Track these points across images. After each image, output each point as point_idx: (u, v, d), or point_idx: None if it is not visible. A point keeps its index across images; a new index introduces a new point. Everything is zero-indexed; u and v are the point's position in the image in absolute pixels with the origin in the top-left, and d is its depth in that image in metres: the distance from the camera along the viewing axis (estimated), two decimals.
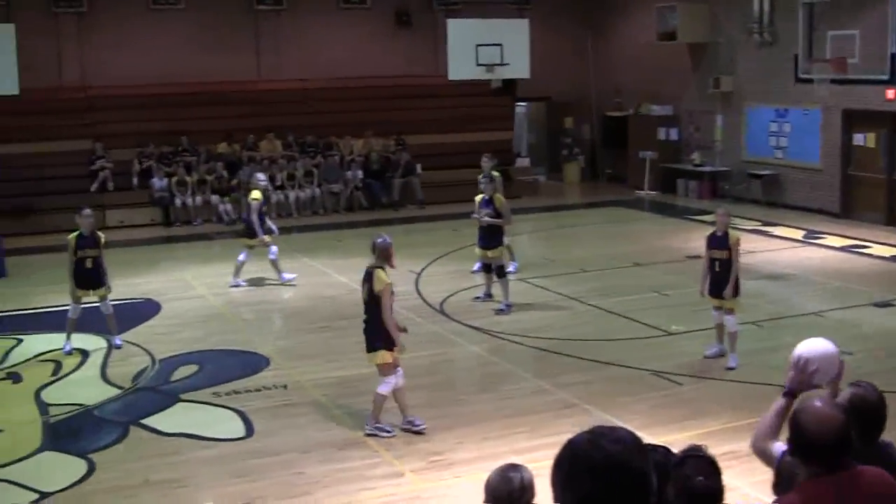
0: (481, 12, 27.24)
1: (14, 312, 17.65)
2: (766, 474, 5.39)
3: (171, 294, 18.62)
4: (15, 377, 14.02)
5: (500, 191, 18.34)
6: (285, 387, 13.08)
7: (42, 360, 14.69)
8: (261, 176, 19.97)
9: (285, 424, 11.71)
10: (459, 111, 31.72)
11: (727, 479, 4.87)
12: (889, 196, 24.34)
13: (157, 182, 27.29)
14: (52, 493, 10.04)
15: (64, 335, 15.01)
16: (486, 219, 16.82)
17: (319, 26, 32.08)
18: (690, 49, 30.16)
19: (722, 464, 4.88)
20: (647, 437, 3.69)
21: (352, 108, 31.10)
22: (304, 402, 12.47)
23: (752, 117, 28.26)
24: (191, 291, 18.95)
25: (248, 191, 19.55)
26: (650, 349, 14.38)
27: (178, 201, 27.13)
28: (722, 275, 13.35)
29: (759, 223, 24.51)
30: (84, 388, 13.38)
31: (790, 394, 5.33)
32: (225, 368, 13.98)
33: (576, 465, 3.30)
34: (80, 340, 15.16)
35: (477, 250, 17.31)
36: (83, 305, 14.96)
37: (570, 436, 3.34)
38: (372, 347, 11.23)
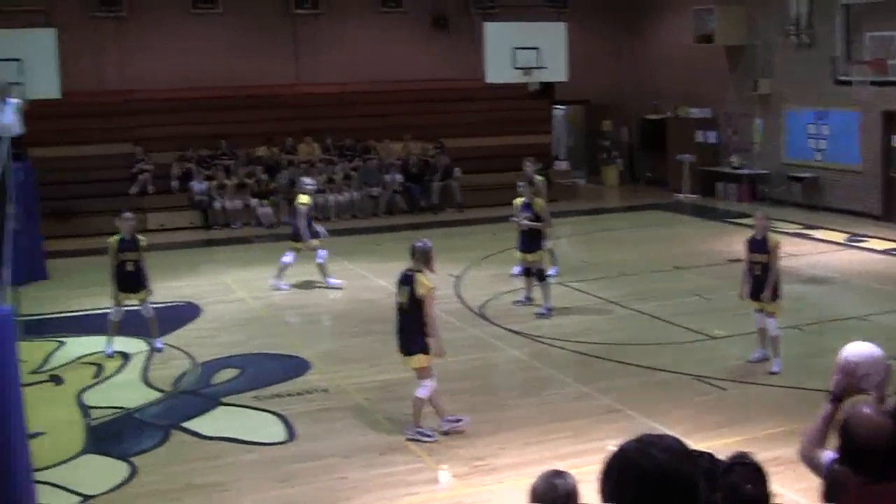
0: (518, 15, 27.16)
1: (55, 315, 17.77)
2: (813, 481, 5.31)
3: (211, 297, 18.69)
4: (57, 379, 14.08)
5: (544, 195, 18.33)
6: (326, 391, 13.08)
7: (83, 363, 14.77)
8: (308, 180, 19.98)
9: (327, 429, 11.70)
10: (497, 114, 31.68)
11: (773, 485, 4.82)
12: None
13: (197, 185, 27.40)
14: (95, 497, 10.08)
15: (105, 338, 15.09)
16: (525, 222, 16.79)
17: (357, 30, 32.12)
18: (728, 51, 30.00)
19: (767, 470, 4.83)
20: (691, 443, 3.65)
21: (390, 112, 31.17)
22: (346, 407, 12.46)
23: (791, 120, 28.06)
24: (231, 295, 19.01)
25: (295, 195, 19.57)
26: (692, 353, 14.28)
27: (217, 204, 27.22)
28: (762, 278, 13.24)
29: (801, 226, 24.33)
30: (125, 391, 13.43)
31: (836, 399, 5.24)
32: (266, 372, 14.00)
33: (625, 473, 3.29)
34: (122, 343, 15.23)
35: (517, 254, 17.26)
36: (124, 308, 15.03)
37: (613, 441, 3.32)
38: (409, 351, 11.21)
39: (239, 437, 11.55)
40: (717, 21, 29.29)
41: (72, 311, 17.90)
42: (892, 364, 5.39)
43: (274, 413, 12.25)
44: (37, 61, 19.41)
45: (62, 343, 15.87)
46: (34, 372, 14.10)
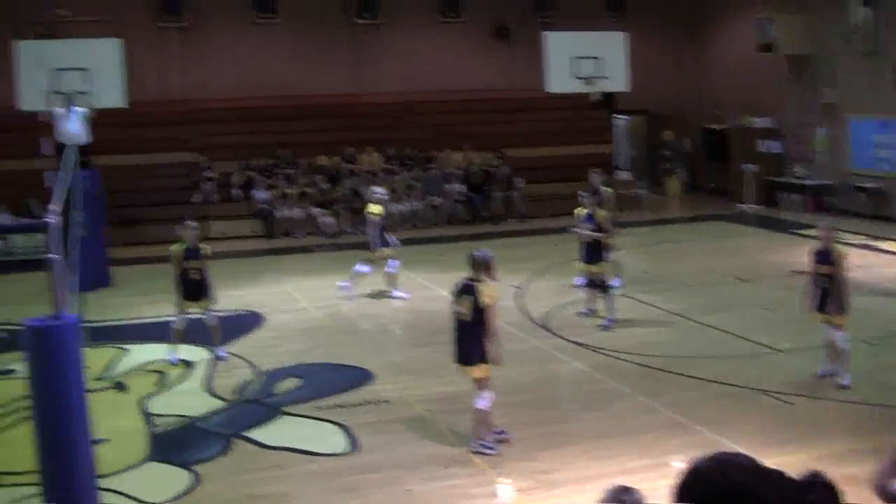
0: (579, 25, 27.06)
1: (119, 322, 17.87)
2: None
3: (273, 306, 18.73)
4: (120, 386, 14.14)
5: (613, 207, 18.25)
6: (389, 401, 13.01)
7: (147, 370, 14.83)
8: (379, 189, 19.97)
9: (389, 440, 11.64)
10: (558, 124, 31.62)
11: None
12: None
13: (259, 194, 27.54)
14: None
15: (168, 345, 15.16)
16: (587, 233, 16.66)
17: (418, 39, 32.20)
18: (790, 60, 29.74)
19: (841, 490, 4.69)
20: (759, 459, 3.54)
21: (451, 122, 31.19)
22: (409, 418, 12.38)
23: (856, 129, 27.72)
24: (293, 304, 19.04)
25: (360, 204, 19.60)
26: (758, 367, 14.05)
27: (279, 213, 27.32)
28: (828, 290, 13.02)
29: (867, 237, 23.98)
30: (188, 399, 13.47)
31: None
32: (328, 382, 13.97)
33: (701, 492, 3.21)
34: (185, 351, 15.29)
35: (580, 265, 17.15)
36: (188, 317, 15.09)
37: (679, 456, 3.24)
38: (470, 361, 11.09)
39: (301, 447, 11.51)
40: (779, 30, 29.04)
41: (135, 319, 18.01)
42: None
43: (336, 423, 12.20)
44: (102, 71, 19.51)
45: (126, 350, 15.95)
46: (98, 378, 14.16)
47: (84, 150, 19.55)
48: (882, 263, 21.33)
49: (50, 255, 9.02)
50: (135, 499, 10.18)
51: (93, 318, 17.00)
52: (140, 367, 15.02)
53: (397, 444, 11.50)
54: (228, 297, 17.85)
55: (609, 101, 32.45)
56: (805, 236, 23.15)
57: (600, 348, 15.20)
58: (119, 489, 10.35)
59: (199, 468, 10.96)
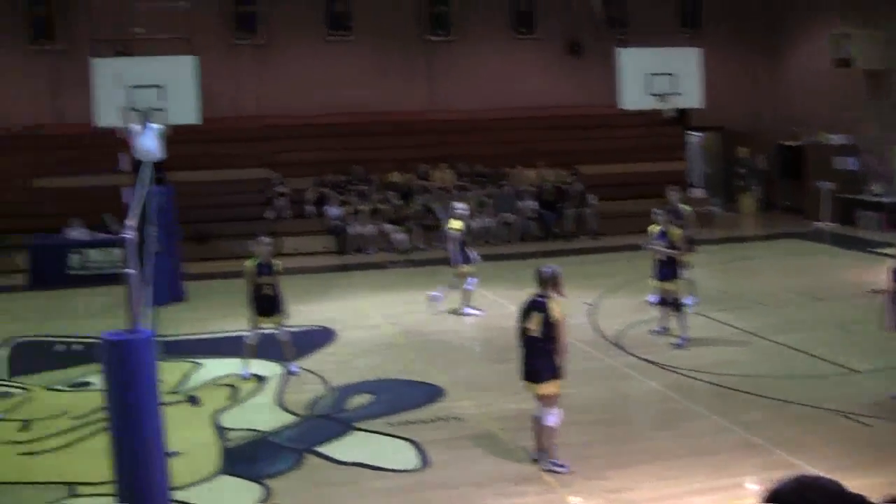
0: (653, 41, 26.93)
1: (193, 336, 18.03)
2: None
3: (346, 322, 18.78)
4: (194, 400, 14.24)
5: (694, 224, 18.16)
6: (460, 418, 12.96)
7: (220, 385, 14.92)
8: (460, 205, 19.98)
9: (460, 457, 11.59)
10: (632, 141, 31.49)
11: None
12: None
13: (332, 210, 27.67)
14: None
15: (241, 360, 15.25)
16: (662, 250, 16.54)
17: (491, 56, 32.24)
18: (867, 76, 29.37)
19: None
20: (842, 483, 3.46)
21: (524, 138, 31.15)
22: (480, 435, 12.33)
23: None
24: (366, 320, 19.08)
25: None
26: (835, 387, 13.80)
27: (352, 230, 27.43)
28: None
29: None
30: (260, 414, 13.52)
31: None
32: (400, 398, 13.95)
33: None
34: (257, 366, 15.36)
35: (653, 282, 17.00)
36: (260, 331, 15.17)
37: (752, 477, 3.17)
38: (539, 378, 11.02)
39: (372, 462, 11.48)
40: (856, 45, 28.73)
41: (209, 333, 18.16)
42: None
43: (407, 439, 12.18)
44: (177, 87, 19.75)
45: (199, 364, 16.06)
46: (172, 392, 14.26)
47: (159, 166, 19.78)
48: None
49: (126, 270, 9.11)
50: None
51: (167, 332, 17.15)
52: (213, 381, 15.12)
53: (468, 460, 11.46)
54: (300, 313, 17.89)
55: (683, 118, 32.27)
56: (884, 255, 22.81)
57: (673, 367, 15.04)
58: (191, 502, 10.41)
59: (270, 482, 10.98)
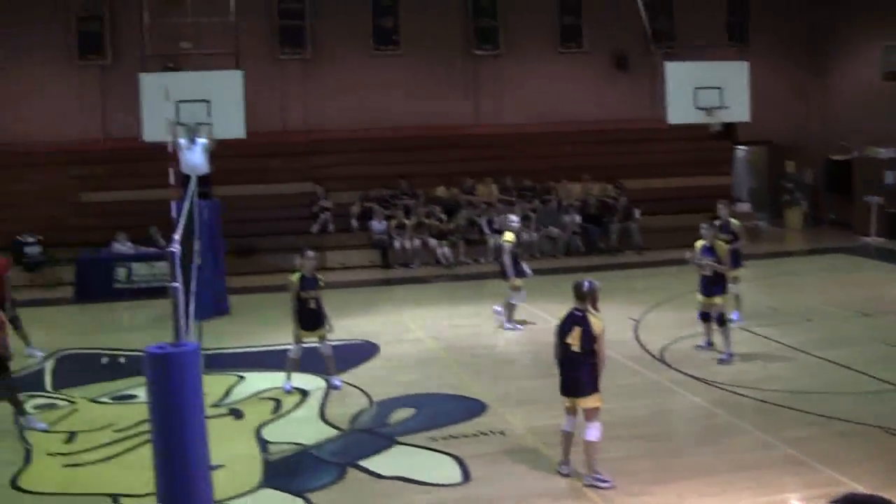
0: (700, 55, 26.84)
1: (237, 350, 18.10)
2: None
3: (389, 336, 18.80)
4: (237, 413, 14.29)
5: (744, 238, 18.12)
6: (503, 433, 12.95)
7: (263, 398, 14.95)
8: (514, 217, 19.99)
9: (502, 471, 11.56)
10: (678, 155, 31.37)
11: None
12: None
13: (377, 225, 27.74)
14: None
15: (283, 374, 15.29)
16: (712, 265, 16.40)
17: (537, 70, 32.23)
18: None
19: None
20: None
21: (569, 152, 31.07)
22: (522, 450, 12.29)
23: None
24: (409, 334, 19.09)
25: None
26: (882, 404, 13.63)
27: (396, 244, 27.48)
28: None
29: None
30: (303, 427, 13.54)
31: None
32: (442, 412, 13.92)
33: None
34: (300, 380, 15.40)
35: (699, 297, 16.89)
36: (303, 345, 15.22)
37: (797, 494, 3.15)
38: (583, 392, 11.02)
39: (414, 477, 11.47)
40: None
41: (252, 347, 18.23)
42: None
43: (449, 454, 12.17)
44: (224, 102, 19.90)
45: (242, 378, 16.12)
46: (215, 405, 14.32)
47: (205, 180, 19.91)
48: None
49: (171, 284, 9.17)
50: None
51: (211, 345, 17.29)
52: (256, 394, 15.16)
53: (510, 475, 11.43)
54: (344, 327, 17.89)
55: (729, 132, 32.11)
56: None
57: (718, 382, 14.94)
58: None
59: (312, 496, 11.00)
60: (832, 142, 32.71)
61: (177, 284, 9.14)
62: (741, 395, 14.33)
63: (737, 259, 18.15)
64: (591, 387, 10.98)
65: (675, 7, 32.63)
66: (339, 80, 31.08)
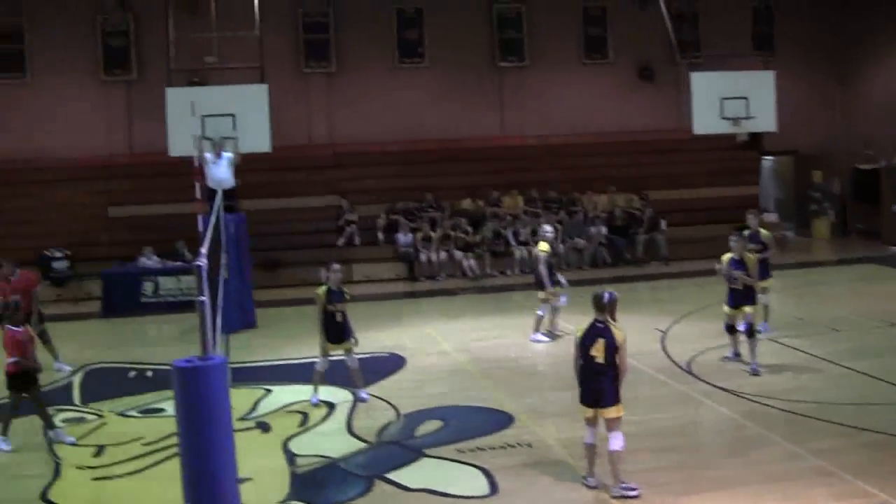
0: (726, 65, 26.80)
1: (264, 363, 18.13)
2: None
3: (415, 349, 18.79)
4: (264, 426, 14.29)
5: (774, 248, 18.05)
6: (530, 445, 12.90)
7: (290, 411, 14.95)
8: (548, 227, 19.98)
9: (530, 483, 11.52)
10: (704, 166, 31.30)
11: None
12: None
13: (402, 237, 27.76)
14: None
15: (310, 387, 15.29)
16: (743, 278, 16.28)
17: (562, 81, 32.24)
18: None
19: None
20: None
21: (594, 164, 31.07)
22: (550, 462, 12.25)
23: None
24: (435, 346, 19.07)
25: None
26: None
27: (422, 256, 27.50)
28: None
29: None
30: (330, 440, 13.52)
31: None
32: (469, 425, 13.88)
33: None
34: (327, 393, 15.39)
35: (725, 308, 16.79)
36: (330, 358, 15.22)
37: None
38: (607, 402, 10.99)
39: (441, 489, 11.43)
40: None
41: (279, 360, 18.25)
42: None
43: (477, 466, 12.12)
44: (249, 116, 19.95)
45: (269, 391, 16.13)
46: (242, 418, 14.33)
47: (231, 193, 19.97)
48: None
49: (198, 298, 9.19)
50: None
51: (238, 359, 17.31)
52: (283, 407, 15.17)
53: (537, 487, 11.39)
54: (370, 340, 17.91)
55: (755, 142, 32.02)
56: None
57: (745, 393, 14.86)
58: None
59: None
60: (859, 151, 32.58)
61: (204, 298, 9.16)
62: (769, 406, 14.24)
63: (765, 269, 18.08)
64: (614, 397, 10.97)
65: (701, 17, 32.56)
66: (363, 93, 31.15)
